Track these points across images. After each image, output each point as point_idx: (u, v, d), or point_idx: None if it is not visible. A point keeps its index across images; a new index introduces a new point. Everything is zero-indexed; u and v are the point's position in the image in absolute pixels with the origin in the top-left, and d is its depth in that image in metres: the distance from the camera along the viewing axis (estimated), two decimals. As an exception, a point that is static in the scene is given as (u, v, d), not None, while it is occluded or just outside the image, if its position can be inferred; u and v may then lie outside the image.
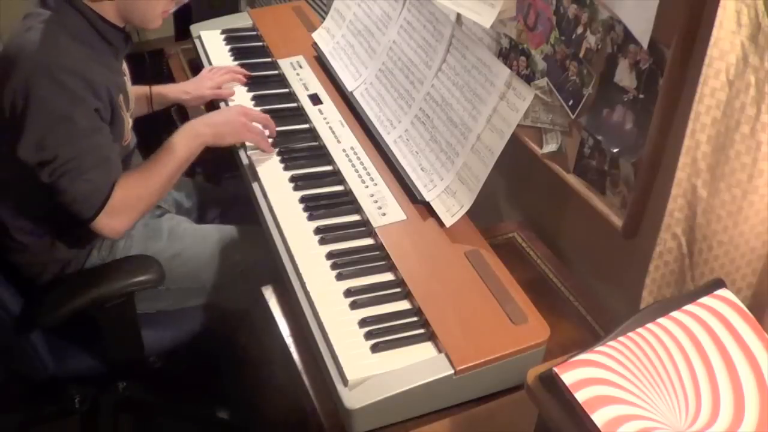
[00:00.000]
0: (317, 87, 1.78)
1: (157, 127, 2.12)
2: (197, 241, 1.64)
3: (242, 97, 1.79)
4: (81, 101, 1.33)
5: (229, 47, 1.99)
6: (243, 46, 2.00)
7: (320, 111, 1.70)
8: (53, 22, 1.35)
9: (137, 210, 1.47)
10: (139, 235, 1.60)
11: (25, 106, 1.30)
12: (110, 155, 1.41)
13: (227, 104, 1.75)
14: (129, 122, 1.54)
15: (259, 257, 1.60)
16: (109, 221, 1.41)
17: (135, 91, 1.73)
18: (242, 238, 1.65)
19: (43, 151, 1.32)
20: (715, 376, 0.82)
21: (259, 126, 1.57)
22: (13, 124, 1.32)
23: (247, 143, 1.58)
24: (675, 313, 0.88)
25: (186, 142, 1.52)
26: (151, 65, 2.38)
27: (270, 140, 1.59)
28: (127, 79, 1.58)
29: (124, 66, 1.59)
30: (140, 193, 1.46)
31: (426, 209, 1.41)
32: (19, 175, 1.40)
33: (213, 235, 1.66)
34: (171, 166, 1.50)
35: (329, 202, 1.45)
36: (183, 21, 2.38)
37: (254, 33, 2.06)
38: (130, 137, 1.55)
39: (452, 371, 1.10)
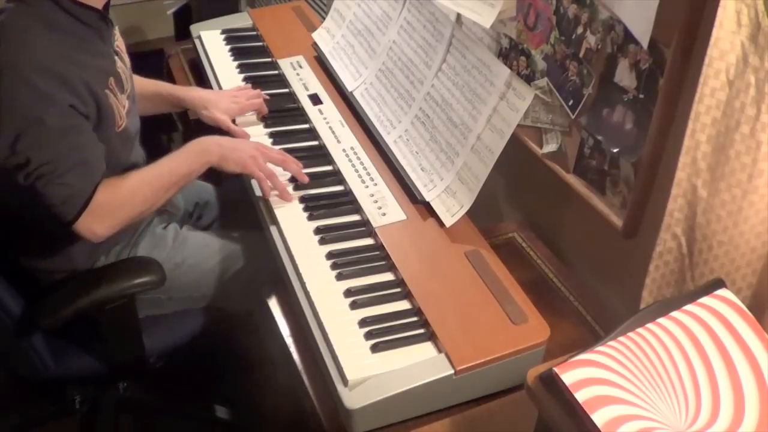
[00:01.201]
0: (317, 87, 1.78)
1: (158, 127, 2.11)
2: (199, 250, 1.63)
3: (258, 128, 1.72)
4: (53, 100, 1.27)
5: (229, 47, 1.99)
6: (243, 46, 2.00)
7: (320, 111, 1.70)
8: (24, 14, 1.30)
9: (121, 216, 1.40)
10: (144, 245, 1.59)
11: None
12: (89, 156, 1.34)
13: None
14: (124, 105, 1.47)
15: (261, 264, 1.59)
16: (90, 224, 1.35)
17: (144, 87, 1.70)
18: (244, 246, 1.65)
19: (15, 155, 1.27)
20: (715, 376, 0.82)
21: (272, 167, 1.48)
22: None
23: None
24: (675, 313, 0.88)
25: (191, 157, 1.47)
26: (151, 65, 2.38)
27: (288, 184, 1.49)
28: (120, 59, 1.51)
29: (120, 45, 1.53)
30: (125, 199, 1.40)
31: (426, 209, 1.41)
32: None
33: (215, 242, 1.65)
34: (167, 178, 1.44)
35: (329, 202, 1.45)
36: (183, 21, 2.38)
37: (254, 33, 2.06)
38: (125, 122, 1.47)
39: (452, 371, 1.10)
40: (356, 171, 1.51)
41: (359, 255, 1.32)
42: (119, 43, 1.54)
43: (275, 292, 1.36)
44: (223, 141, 1.51)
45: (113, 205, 1.38)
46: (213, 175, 2.20)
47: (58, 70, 1.29)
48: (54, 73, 1.28)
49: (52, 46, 1.30)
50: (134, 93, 1.56)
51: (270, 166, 1.48)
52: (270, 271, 1.41)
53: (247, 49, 1.99)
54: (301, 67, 1.87)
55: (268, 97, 1.74)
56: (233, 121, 1.70)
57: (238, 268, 1.63)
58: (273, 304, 1.34)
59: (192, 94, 1.75)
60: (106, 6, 1.43)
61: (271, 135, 1.65)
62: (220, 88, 1.82)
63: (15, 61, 1.26)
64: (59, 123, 1.29)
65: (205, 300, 1.64)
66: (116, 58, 1.49)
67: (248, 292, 1.51)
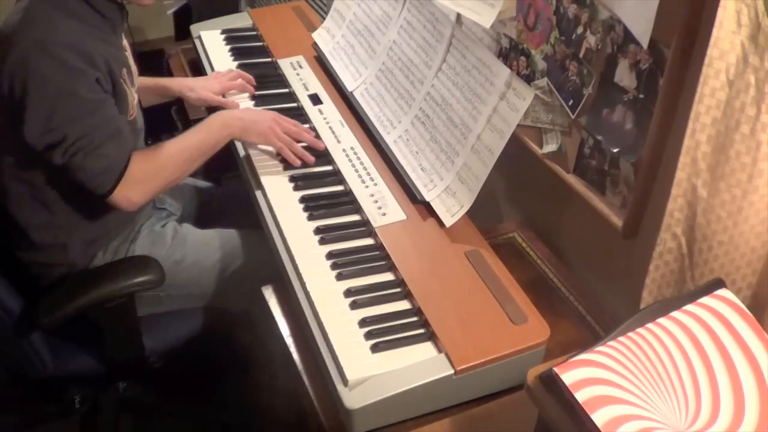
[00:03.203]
0: (317, 87, 1.78)
1: (157, 127, 2.12)
2: (199, 247, 1.63)
3: (244, 102, 1.79)
4: (82, 74, 1.32)
5: (229, 47, 1.99)
6: (243, 46, 2.00)
7: (320, 111, 1.70)
8: (45, 1, 1.33)
9: (154, 184, 1.46)
10: (143, 241, 1.60)
11: (25, 87, 1.28)
12: (120, 126, 1.40)
13: None
14: (134, 97, 1.53)
15: (260, 262, 1.59)
16: (126, 193, 1.41)
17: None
18: (244, 243, 1.65)
19: (51, 133, 1.31)
20: (715, 376, 0.82)
21: (289, 138, 1.55)
22: (15, 109, 1.30)
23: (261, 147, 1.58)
24: (675, 313, 0.88)
25: (214, 130, 1.53)
26: (151, 65, 2.38)
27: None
28: (129, 55, 1.57)
29: (125, 42, 1.57)
30: (157, 167, 1.46)
31: (426, 209, 1.41)
32: (37, 170, 1.40)
33: (215, 240, 1.66)
34: (195, 149, 1.50)
35: (329, 202, 1.45)
36: (183, 21, 2.39)
37: (254, 33, 2.06)
38: (136, 112, 1.54)
39: (452, 371, 1.10)
40: (356, 171, 1.51)
41: (359, 255, 1.32)
42: (125, 43, 1.57)
43: (275, 292, 1.36)
44: (243, 114, 1.58)
45: (147, 174, 1.44)
46: (213, 175, 2.21)
47: (83, 47, 1.33)
48: (80, 50, 1.33)
49: (74, 29, 1.35)
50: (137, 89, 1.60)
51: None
52: (270, 269, 1.42)
53: (247, 49, 1.99)
54: (301, 67, 1.87)
55: (253, 81, 1.80)
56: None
57: (237, 266, 1.63)
58: (273, 304, 1.34)
59: (177, 81, 1.83)
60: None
61: (271, 135, 1.65)
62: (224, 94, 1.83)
63: (42, 39, 1.29)
64: (91, 95, 1.34)
65: (204, 298, 1.64)
66: (126, 53, 1.54)
67: (248, 290, 1.51)
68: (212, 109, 1.89)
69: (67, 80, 1.30)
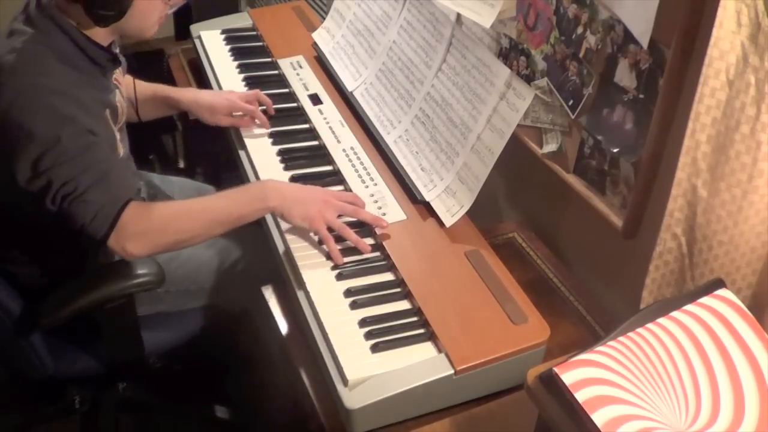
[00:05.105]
0: (317, 87, 1.78)
1: (158, 127, 2.11)
2: None
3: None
4: (70, 121, 1.28)
5: (229, 47, 1.99)
6: (243, 46, 2.00)
7: (320, 111, 1.70)
8: (38, 42, 1.31)
9: (156, 241, 1.34)
10: None
11: (14, 133, 1.26)
12: (108, 171, 1.31)
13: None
14: (117, 136, 1.47)
15: (257, 256, 1.59)
16: (123, 244, 1.31)
17: (143, 91, 1.70)
18: (241, 238, 1.65)
19: (37, 180, 1.27)
20: (715, 376, 0.82)
21: (341, 223, 1.36)
22: (7, 155, 1.28)
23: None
24: (675, 313, 0.88)
25: (246, 200, 1.39)
26: (151, 65, 2.38)
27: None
28: (119, 91, 1.53)
29: (117, 75, 1.53)
30: (161, 224, 1.35)
31: (426, 209, 1.41)
32: (8, 193, 1.40)
33: None
34: (212, 215, 1.38)
35: (329, 202, 1.45)
36: (183, 21, 2.38)
37: (254, 33, 2.06)
38: (122, 151, 1.49)
39: (452, 371, 1.10)
40: (356, 171, 1.51)
41: (359, 255, 1.32)
42: (117, 76, 1.53)
43: (275, 292, 1.36)
44: (288, 190, 1.40)
45: (147, 227, 1.33)
46: (213, 175, 2.21)
47: (76, 93, 1.30)
48: (72, 96, 1.29)
49: (65, 73, 1.31)
50: (125, 124, 1.57)
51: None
52: (268, 266, 1.41)
53: (247, 49, 1.99)
54: (301, 67, 1.87)
55: (271, 108, 1.71)
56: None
57: (234, 260, 1.63)
58: (273, 304, 1.34)
59: (187, 96, 1.74)
60: (111, 44, 1.44)
61: (271, 135, 1.65)
62: (220, 88, 1.82)
63: (33, 85, 1.27)
64: (77, 141, 1.28)
65: (203, 295, 1.64)
66: (117, 90, 1.50)
67: (246, 287, 1.51)
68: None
69: (53, 127, 1.26)
